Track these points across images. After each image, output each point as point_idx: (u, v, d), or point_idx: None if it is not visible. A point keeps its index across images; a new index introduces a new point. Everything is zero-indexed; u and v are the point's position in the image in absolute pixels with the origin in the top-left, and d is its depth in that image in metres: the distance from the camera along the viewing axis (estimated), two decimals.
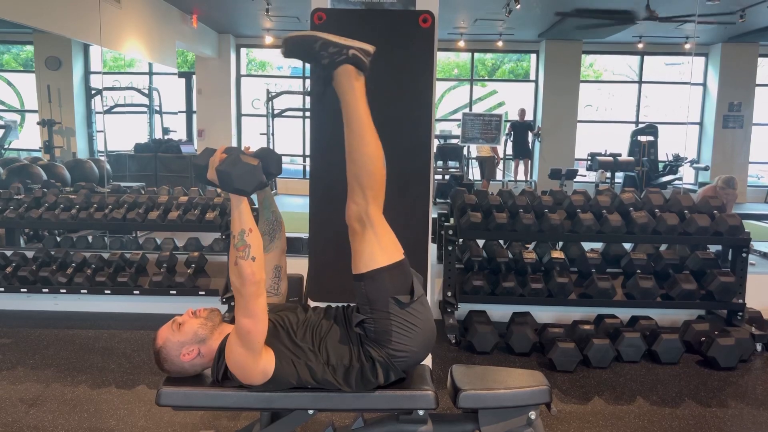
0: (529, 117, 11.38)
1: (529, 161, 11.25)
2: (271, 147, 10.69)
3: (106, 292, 4.09)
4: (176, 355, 1.82)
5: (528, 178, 11.21)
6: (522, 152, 11.02)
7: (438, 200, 8.70)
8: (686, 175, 10.51)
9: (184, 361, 1.82)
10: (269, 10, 8.54)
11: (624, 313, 3.88)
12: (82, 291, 4.09)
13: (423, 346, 1.80)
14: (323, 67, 1.80)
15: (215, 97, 11.31)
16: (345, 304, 1.96)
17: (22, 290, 4.13)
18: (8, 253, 4.31)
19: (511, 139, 10.98)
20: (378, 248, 1.75)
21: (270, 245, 2.04)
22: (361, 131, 1.77)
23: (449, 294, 3.87)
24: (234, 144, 11.64)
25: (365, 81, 1.81)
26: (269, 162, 1.90)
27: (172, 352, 1.82)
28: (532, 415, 1.91)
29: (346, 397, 1.80)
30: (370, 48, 1.82)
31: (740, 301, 3.77)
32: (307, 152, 10.64)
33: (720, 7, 7.52)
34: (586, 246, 4.19)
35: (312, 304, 2.01)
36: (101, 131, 7.81)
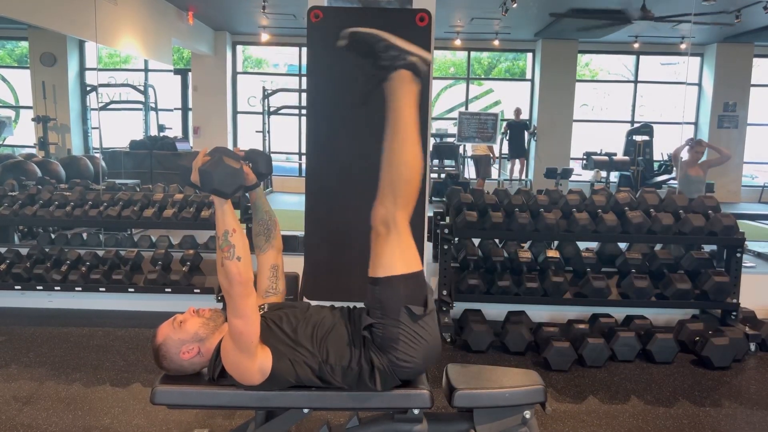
0: (525, 116, 11.39)
1: (525, 160, 11.27)
2: (263, 147, 10.68)
3: (100, 289, 4.08)
4: (176, 353, 1.81)
5: (524, 177, 11.23)
6: (518, 151, 11.02)
7: (434, 199, 8.70)
8: None
9: (184, 360, 1.81)
10: (265, 8, 8.51)
11: (619, 313, 3.89)
12: (77, 288, 4.08)
13: (426, 359, 1.78)
14: (380, 67, 1.77)
15: (211, 94, 11.28)
16: (351, 305, 1.94)
17: (17, 287, 4.11)
18: (2, 250, 4.29)
19: (507, 138, 10.99)
20: (399, 255, 1.74)
21: (265, 245, 2.04)
22: (405, 137, 1.74)
23: (445, 293, 3.87)
24: (230, 141, 11.62)
25: (419, 89, 1.78)
26: (259, 162, 1.93)
27: (172, 350, 1.81)
28: (527, 414, 1.91)
29: (342, 396, 1.80)
30: (428, 57, 1.80)
31: (734, 300, 3.78)
32: (303, 150, 10.62)
33: (715, 7, 7.54)
34: (582, 245, 4.20)
35: (313, 302, 2.01)
36: (96, 128, 7.78)
